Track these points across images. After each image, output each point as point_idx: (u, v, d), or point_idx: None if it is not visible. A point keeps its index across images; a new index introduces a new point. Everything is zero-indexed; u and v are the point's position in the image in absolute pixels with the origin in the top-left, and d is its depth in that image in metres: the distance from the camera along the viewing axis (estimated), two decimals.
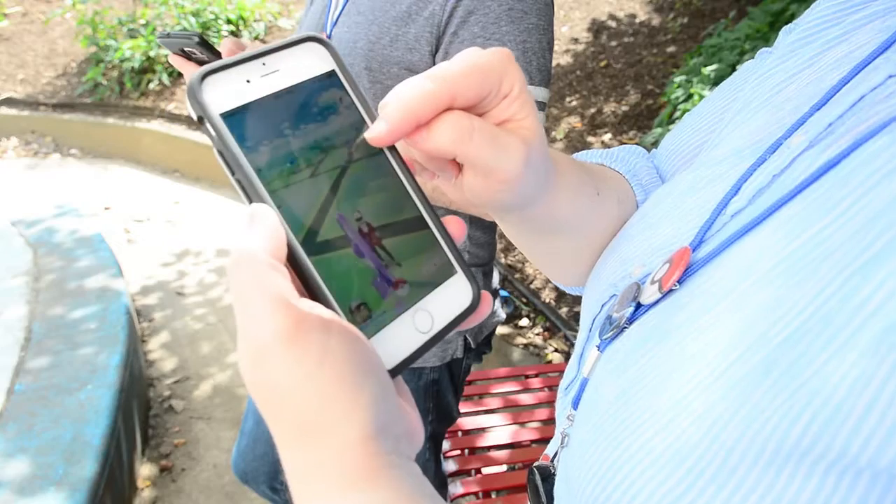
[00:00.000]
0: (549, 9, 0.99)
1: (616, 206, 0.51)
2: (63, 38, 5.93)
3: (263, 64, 0.32)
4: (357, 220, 0.33)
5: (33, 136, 5.29)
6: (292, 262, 0.31)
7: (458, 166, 0.38)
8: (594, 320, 0.45)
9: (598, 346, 0.41)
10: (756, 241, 0.33)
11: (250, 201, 0.31)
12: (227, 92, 0.31)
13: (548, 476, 0.42)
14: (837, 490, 0.24)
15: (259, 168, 0.31)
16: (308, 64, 0.34)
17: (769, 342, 0.28)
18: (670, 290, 0.37)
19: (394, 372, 0.33)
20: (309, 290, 0.32)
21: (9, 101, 5.46)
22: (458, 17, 0.95)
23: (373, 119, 0.35)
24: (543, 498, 0.41)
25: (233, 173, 0.31)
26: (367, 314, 0.32)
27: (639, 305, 0.39)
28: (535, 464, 0.43)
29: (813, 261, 0.29)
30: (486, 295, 0.37)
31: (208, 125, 0.30)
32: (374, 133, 0.33)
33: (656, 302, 0.37)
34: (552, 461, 0.43)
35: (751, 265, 0.32)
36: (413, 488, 0.31)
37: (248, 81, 0.31)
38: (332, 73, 0.35)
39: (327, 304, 0.32)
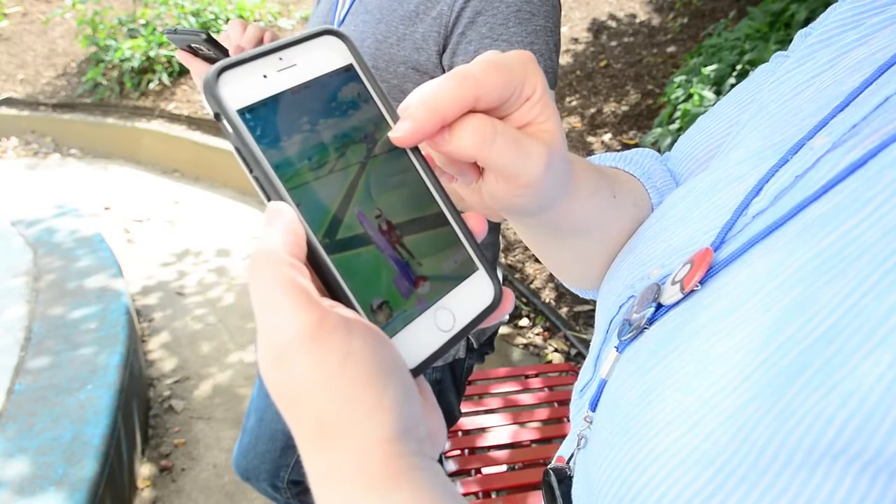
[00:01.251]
0: (556, 11, 0.99)
1: (632, 208, 0.51)
2: (63, 38, 5.93)
3: (280, 59, 0.31)
4: (377, 218, 0.33)
5: (33, 136, 5.28)
6: (312, 260, 0.31)
7: (479, 170, 0.38)
8: (611, 322, 0.45)
9: (617, 347, 0.40)
10: (781, 242, 0.33)
11: (269, 199, 0.30)
12: (243, 87, 0.30)
13: (563, 478, 0.42)
14: (871, 490, 0.24)
15: (277, 164, 0.30)
16: (325, 58, 0.33)
17: (801, 342, 0.28)
18: (692, 291, 0.36)
19: (416, 371, 0.32)
20: (329, 289, 0.31)
21: (9, 101, 5.45)
22: (466, 18, 0.95)
23: (392, 114, 0.34)
24: (560, 500, 0.41)
25: (251, 170, 0.30)
26: (388, 313, 0.32)
27: (659, 306, 0.38)
28: (550, 466, 0.43)
29: (844, 259, 0.29)
30: (507, 292, 0.36)
31: (225, 122, 0.30)
32: (398, 133, 0.32)
33: (677, 303, 0.37)
34: (568, 463, 0.42)
35: (777, 265, 0.32)
36: (435, 490, 0.30)
37: (265, 76, 0.31)
38: (349, 67, 0.34)
39: (348, 304, 0.31)
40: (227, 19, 5.31)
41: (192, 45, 0.97)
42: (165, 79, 5.09)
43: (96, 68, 5.36)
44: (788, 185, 0.36)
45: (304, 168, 0.31)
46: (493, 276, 0.36)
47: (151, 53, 5.08)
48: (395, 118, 0.34)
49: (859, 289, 0.27)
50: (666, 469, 0.30)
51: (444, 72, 1.00)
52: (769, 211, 0.36)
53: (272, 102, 0.31)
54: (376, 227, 0.32)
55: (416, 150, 0.35)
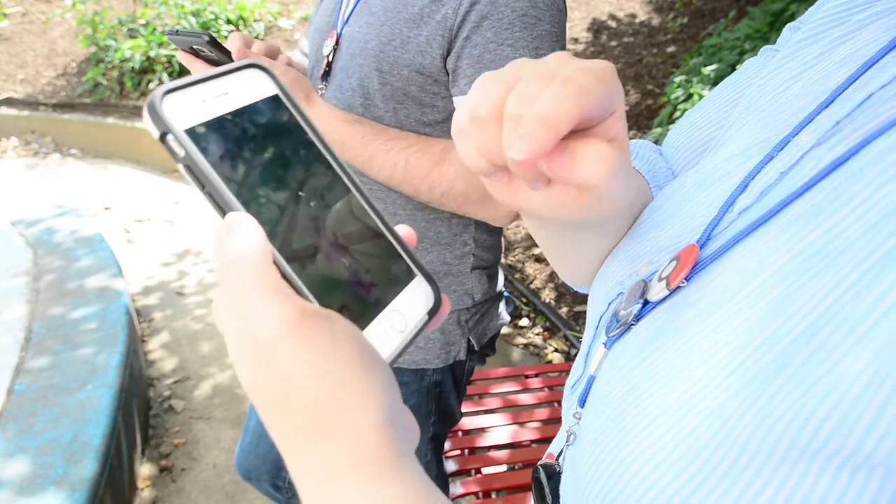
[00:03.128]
0: (562, 15, 0.98)
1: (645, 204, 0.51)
2: (63, 38, 5.93)
3: (215, 86, 0.34)
4: (321, 229, 0.35)
5: (33, 136, 5.29)
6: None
7: (548, 178, 0.35)
8: (601, 318, 0.45)
9: (605, 344, 0.41)
10: (765, 238, 0.33)
11: (223, 213, 0.32)
12: (186, 111, 0.32)
13: (553, 474, 0.42)
14: (850, 487, 0.24)
15: (226, 180, 0.32)
16: (254, 87, 0.36)
17: (783, 338, 0.28)
18: (678, 288, 0.37)
19: None
20: None
21: (9, 101, 5.46)
22: (472, 22, 0.93)
23: (318, 137, 0.37)
24: (549, 496, 0.41)
25: (203, 187, 0.32)
26: (349, 316, 0.34)
27: (646, 303, 0.39)
28: (540, 462, 0.43)
29: (827, 256, 0.29)
30: (444, 296, 0.39)
31: (173, 141, 0.31)
32: (519, 153, 0.30)
33: (664, 299, 0.37)
34: (557, 459, 0.43)
35: (761, 262, 0.32)
36: (426, 482, 0.31)
37: (203, 101, 0.33)
38: (276, 97, 0.37)
39: None
40: (228, 19, 5.31)
41: (194, 47, 0.97)
42: (166, 79, 5.09)
43: (96, 68, 5.36)
44: (774, 182, 0.36)
45: (248, 185, 0.33)
46: (430, 280, 0.38)
47: (151, 53, 5.08)
48: (321, 141, 0.37)
49: (840, 286, 0.27)
50: (650, 465, 0.30)
51: (447, 76, 0.99)
52: (754, 207, 0.36)
53: (213, 125, 0.33)
54: (322, 237, 0.35)
55: (341, 166, 0.37)
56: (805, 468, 0.25)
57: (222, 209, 0.32)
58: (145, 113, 0.31)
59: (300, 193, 0.35)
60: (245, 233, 0.31)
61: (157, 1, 5.34)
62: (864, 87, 0.35)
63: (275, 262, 0.32)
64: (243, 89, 0.35)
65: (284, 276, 0.32)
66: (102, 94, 5.30)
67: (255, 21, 5.46)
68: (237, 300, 0.30)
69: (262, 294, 0.29)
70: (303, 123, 0.37)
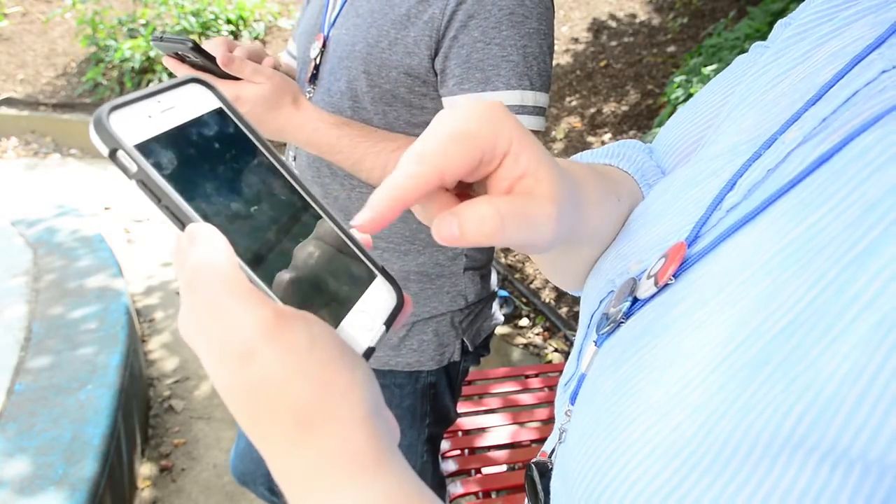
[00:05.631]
0: (549, 13, 0.98)
1: (633, 208, 0.51)
2: (63, 38, 5.93)
3: (159, 101, 0.34)
4: (279, 236, 0.35)
5: (33, 136, 5.29)
6: None
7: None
8: (592, 316, 0.45)
9: (596, 342, 0.41)
10: (751, 235, 0.33)
11: (182, 226, 0.32)
12: (133, 126, 0.32)
13: (545, 471, 0.42)
14: (830, 481, 0.24)
15: (181, 192, 0.32)
16: (198, 101, 0.36)
17: (764, 335, 0.28)
18: (666, 285, 0.37)
19: None
20: None
21: (9, 101, 5.46)
22: (459, 22, 0.93)
23: (264, 146, 0.38)
24: (541, 493, 0.42)
25: (158, 200, 0.32)
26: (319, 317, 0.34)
27: (635, 300, 0.39)
28: (534, 460, 0.44)
29: (807, 253, 0.29)
30: (407, 295, 0.40)
31: (124, 156, 0.31)
32: (360, 222, 0.32)
33: (652, 297, 0.38)
34: (550, 457, 0.43)
35: (746, 259, 0.32)
36: (414, 476, 0.31)
37: (149, 117, 0.33)
38: (220, 110, 0.37)
39: None
40: (228, 19, 5.31)
41: (179, 53, 0.97)
42: (165, 79, 5.08)
43: (96, 68, 5.36)
44: (761, 179, 0.36)
45: (202, 196, 0.33)
46: (390, 280, 0.39)
47: (151, 53, 5.08)
48: (269, 150, 0.38)
49: (820, 282, 0.27)
50: (635, 460, 0.30)
51: (436, 76, 0.98)
52: (742, 205, 0.36)
53: (161, 139, 0.33)
54: (279, 243, 0.35)
55: (290, 172, 0.38)
56: (785, 463, 0.25)
57: (181, 221, 0.32)
58: (92, 130, 0.31)
59: (253, 202, 0.35)
60: (208, 242, 0.31)
61: (157, 1, 5.34)
62: (849, 85, 0.35)
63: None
64: (188, 104, 0.35)
65: (251, 282, 0.32)
66: (102, 94, 5.30)
67: (255, 21, 5.46)
68: (209, 307, 0.30)
69: (236, 299, 0.29)
70: (248, 134, 0.38)
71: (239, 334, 0.29)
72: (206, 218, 0.32)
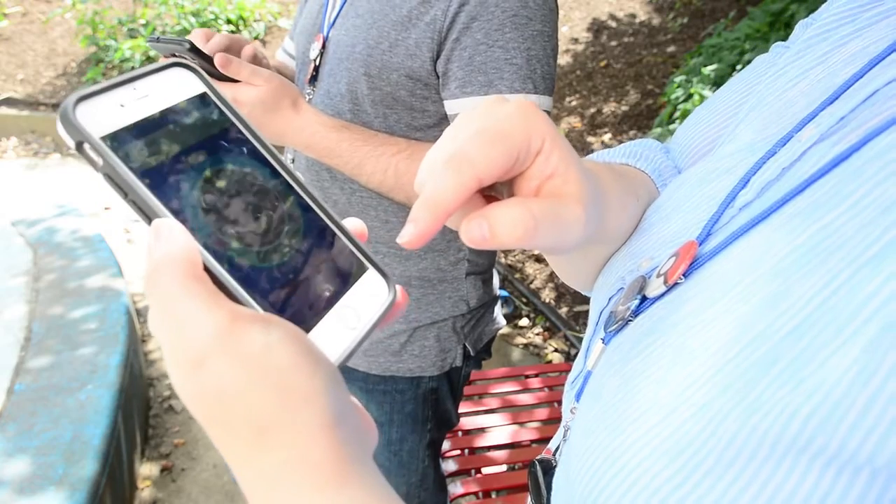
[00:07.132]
0: (553, 15, 0.96)
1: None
2: (63, 38, 5.93)
3: (134, 89, 0.32)
4: (262, 229, 0.34)
5: (33, 136, 5.28)
6: (207, 272, 0.31)
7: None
8: (601, 313, 0.45)
9: (603, 339, 0.41)
10: (764, 235, 0.33)
11: (149, 220, 0.31)
12: (102, 117, 0.31)
13: (549, 469, 0.42)
14: (836, 486, 0.24)
15: (149, 186, 0.31)
16: (179, 87, 0.34)
17: (773, 335, 0.28)
18: (676, 284, 0.36)
19: None
20: (229, 298, 0.31)
21: (9, 101, 5.46)
22: (461, 23, 0.91)
23: (252, 133, 0.36)
24: (543, 490, 0.41)
25: (125, 195, 0.30)
26: (295, 317, 0.32)
27: (644, 298, 0.39)
28: (538, 457, 0.43)
29: (821, 253, 0.28)
30: (402, 289, 0.38)
31: (90, 149, 0.30)
32: (406, 239, 0.31)
33: (661, 295, 0.37)
34: (554, 455, 0.43)
35: (758, 258, 0.32)
36: (382, 487, 0.30)
37: (122, 106, 0.32)
38: (204, 95, 0.35)
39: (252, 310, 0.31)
40: (228, 19, 5.31)
41: (176, 54, 0.96)
42: None
43: (96, 68, 5.36)
44: (775, 178, 0.36)
45: (175, 189, 0.31)
46: (383, 274, 0.38)
47: (151, 53, 5.08)
48: (253, 135, 0.36)
49: (833, 283, 0.27)
50: (637, 458, 0.30)
51: (437, 79, 0.97)
52: (755, 203, 0.36)
53: (133, 129, 0.31)
54: (261, 237, 0.33)
55: (279, 161, 0.36)
56: (790, 466, 0.25)
57: (148, 216, 0.31)
58: (58, 122, 0.30)
59: (234, 193, 0.33)
60: (169, 238, 0.29)
61: (157, 1, 5.34)
62: (868, 84, 0.35)
63: (207, 268, 0.30)
64: (166, 90, 0.34)
65: (219, 280, 0.31)
66: None
67: (255, 21, 5.46)
68: (166, 307, 0.29)
69: (191, 300, 0.28)
70: (235, 120, 0.36)
71: (192, 339, 0.28)
72: (176, 213, 0.30)
